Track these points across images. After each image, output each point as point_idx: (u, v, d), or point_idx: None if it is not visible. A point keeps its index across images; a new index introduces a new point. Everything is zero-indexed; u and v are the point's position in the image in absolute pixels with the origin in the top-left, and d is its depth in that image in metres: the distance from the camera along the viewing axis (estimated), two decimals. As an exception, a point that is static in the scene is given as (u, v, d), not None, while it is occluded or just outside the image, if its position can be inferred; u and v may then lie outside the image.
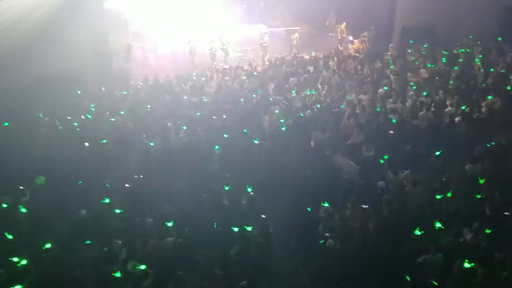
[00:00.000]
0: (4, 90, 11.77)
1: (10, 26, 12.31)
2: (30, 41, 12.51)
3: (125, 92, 13.53)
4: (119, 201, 8.27)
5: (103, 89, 13.79)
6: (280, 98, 13.30)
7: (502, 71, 14.19)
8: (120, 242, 7.04)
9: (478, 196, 7.91)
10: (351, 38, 21.28)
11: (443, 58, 15.93)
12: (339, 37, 20.28)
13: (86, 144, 10.31)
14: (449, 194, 7.92)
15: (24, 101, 11.85)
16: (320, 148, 10.32)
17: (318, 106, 12.44)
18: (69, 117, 11.50)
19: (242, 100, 12.96)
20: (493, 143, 9.94)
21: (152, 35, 21.20)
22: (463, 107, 11.43)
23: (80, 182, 8.94)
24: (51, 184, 8.75)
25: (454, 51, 16.74)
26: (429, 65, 14.99)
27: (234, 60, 18.80)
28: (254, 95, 13.20)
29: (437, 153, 9.43)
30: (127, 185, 8.74)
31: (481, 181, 8.43)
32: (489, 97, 12.07)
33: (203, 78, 15.09)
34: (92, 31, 14.06)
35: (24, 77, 12.51)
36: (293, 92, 13.58)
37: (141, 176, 9.24)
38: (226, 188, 8.49)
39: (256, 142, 10.21)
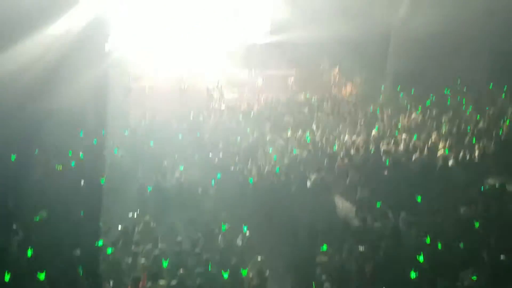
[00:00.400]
0: (6, 126, 11.86)
1: (17, 68, 12.61)
2: (34, 81, 12.76)
3: (123, 131, 13.64)
4: (112, 241, 8.15)
5: (101, 128, 13.93)
6: (276, 138, 13.50)
7: (492, 114, 14.58)
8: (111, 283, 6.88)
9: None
10: (344, 81, 21.90)
11: (428, 101, 16.39)
12: (333, 81, 20.87)
13: (82, 182, 10.27)
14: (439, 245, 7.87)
15: (24, 139, 11.89)
16: (316, 188, 10.36)
17: (313, 146, 12.61)
18: (66, 155, 11.52)
19: (238, 139, 13.13)
20: (486, 186, 10.06)
21: (151, 75, 21.73)
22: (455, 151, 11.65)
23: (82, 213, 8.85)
24: (45, 222, 8.63)
25: (446, 95, 17.25)
26: (419, 109, 15.26)
27: (231, 100, 19.13)
28: (250, 134, 13.40)
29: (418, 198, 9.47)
30: (119, 225, 8.63)
31: (477, 224, 8.45)
32: (479, 139, 12.32)
33: (200, 117, 15.32)
34: (94, 72, 14.39)
35: (25, 114, 12.65)
36: (289, 131, 13.82)
37: (135, 215, 9.17)
38: (222, 227, 8.42)
39: (251, 181, 10.24)
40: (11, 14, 12.03)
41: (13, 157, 11.08)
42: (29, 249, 7.55)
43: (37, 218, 8.78)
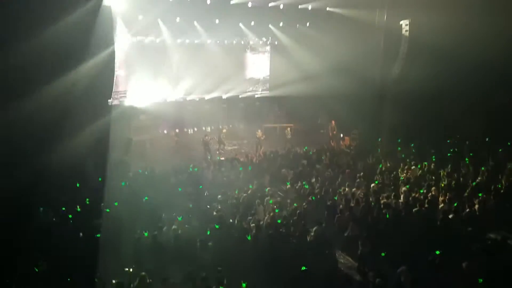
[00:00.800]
0: (8, 181, 11.96)
1: (22, 122, 12.92)
2: (37, 134, 13.01)
3: (122, 183, 13.67)
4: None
5: (101, 180, 14.00)
6: (275, 190, 13.52)
7: (491, 169, 14.69)
8: None
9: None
10: (341, 135, 22.32)
11: (433, 156, 16.58)
12: (330, 134, 21.26)
13: (81, 234, 10.16)
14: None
15: (23, 192, 11.92)
16: (317, 241, 10.21)
17: (313, 198, 12.60)
18: (64, 209, 11.49)
19: (236, 191, 13.12)
20: (488, 241, 9.95)
21: (153, 127, 22.18)
22: (456, 204, 11.63)
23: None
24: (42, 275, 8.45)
25: (444, 149, 17.48)
26: (419, 166, 15.38)
27: (230, 152, 19.38)
28: (250, 186, 13.42)
29: (437, 252, 9.33)
30: (114, 280, 8.42)
31: (480, 280, 8.27)
32: (480, 194, 12.35)
33: (197, 169, 15.41)
34: (96, 125, 14.71)
35: (27, 168, 12.77)
36: (288, 184, 13.85)
37: (131, 269, 8.97)
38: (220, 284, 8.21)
39: (248, 238, 10.12)
40: (15, 67, 12.47)
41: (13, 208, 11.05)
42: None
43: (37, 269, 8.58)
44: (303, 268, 8.71)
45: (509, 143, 17.43)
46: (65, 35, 12.59)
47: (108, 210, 11.60)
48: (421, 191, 12.97)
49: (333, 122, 21.19)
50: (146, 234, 10.13)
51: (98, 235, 10.24)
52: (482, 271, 8.62)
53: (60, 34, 12.47)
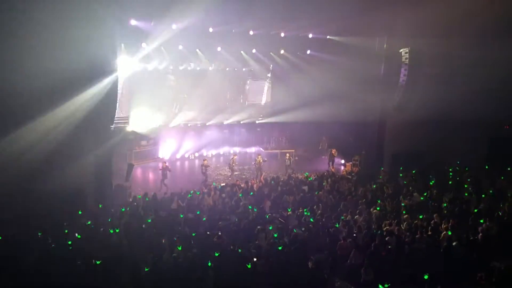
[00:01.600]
0: (7, 207, 11.95)
1: (24, 148, 13.02)
2: (40, 161, 13.06)
3: (122, 210, 13.58)
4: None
5: (101, 206, 13.94)
6: (276, 216, 13.40)
7: (492, 194, 14.59)
8: None
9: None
10: (343, 161, 22.32)
11: (431, 181, 16.52)
12: (330, 161, 21.24)
13: (78, 262, 10.02)
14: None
15: (23, 218, 11.88)
16: (318, 269, 10.04)
17: (313, 223, 12.47)
18: (64, 235, 11.39)
19: (236, 219, 12.98)
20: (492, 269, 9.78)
21: (155, 153, 22.25)
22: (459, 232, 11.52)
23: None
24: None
25: (445, 177, 17.44)
26: (423, 196, 15.24)
27: (232, 178, 19.33)
28: (250, 207, 13.33)
29: (425, 276, 9.17)
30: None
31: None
32: (481, 221, 12.23)
33: (201, 195, 15.33)
34: (98, 151, 14.75)
35: (26, 195, 12.77)
36: (289, 210, 13.74)
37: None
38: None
39: (249, 266, 9.97)
40: (21, 96, 12.61)
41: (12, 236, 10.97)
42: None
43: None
44: None
45: (509, 168, 17.40)
46: (67, 62, 12.79)
47: (110, 232, 11.47)
48: (420, 217, 12.85)
49: (333, 151, 21.20)
50: (146, 269, 9.95)
51: (98, 262, 10.09)
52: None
53: (62, 60, 12.67)
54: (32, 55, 12.45)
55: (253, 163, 19.84)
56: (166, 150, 22.63)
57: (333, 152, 21.45)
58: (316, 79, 22.26)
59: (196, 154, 23.47)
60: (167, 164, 18.20)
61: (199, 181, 18.15)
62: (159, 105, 21.80)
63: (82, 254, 10.53)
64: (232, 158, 20.25)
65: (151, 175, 20.17)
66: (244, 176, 19.84)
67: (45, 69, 12.41)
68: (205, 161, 18.72)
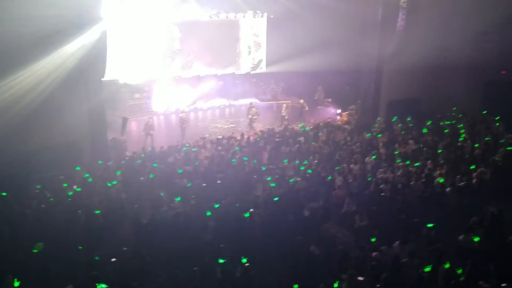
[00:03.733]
0: (3, 161, 11.89)
1: (11, 100, 12.73)
2: (29, 114, 12.84)
3: (122, 162, 13.62)
4: (106, 275, 8.00)
5: (98, 160, 13.95)
6: (273, 167, 13.52)
7: (488, 140, 14.68)
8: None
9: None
10: (339, 111, 22.20)
11: (424, 129, 16.58)
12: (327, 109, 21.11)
13: (79, 211, 10.18)
14: (447, 265, 7.78)
15: (20, 172, 11.88)
16: (314, 217, 10.27)
17: (309, 171, 12.61)
18: (62, 187, 11.47)
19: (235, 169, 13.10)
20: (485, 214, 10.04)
21: (148, 106, 21.99)
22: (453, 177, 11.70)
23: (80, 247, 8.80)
24: (39, 256, 8.49)
25: (440, 123, 17.48)
26: (418, 143, 15.31)
27: (227, 130, 19.26)
28: (247, 164, 13.41)
29: (429, 225, 9.42)
30: (113, 259, 8.46)
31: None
32: (473, 167, 12.38)
33: (194, 149, 15.34)
34: (90, 103, 14.51)
35: (21, 148, 12.69)
36: (285, 161, 13.84)
37: (131, 248, 9.03)
38: (220, 261, 8.26)
39: (246, 215, 10.16)
40: (8, 45, 12.17)
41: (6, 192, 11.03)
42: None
43: (35, 250, 8.63)
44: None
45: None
46: (52, 8, 12.20)
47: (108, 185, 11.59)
48: (416, 164, 12.99)
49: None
50: (145, 220, 10.12)
51: (98, 211, 10.25)
52: (478, 243, 8.73)
53: (47, 7, 12.09)
54: (16, 2, 11.86)
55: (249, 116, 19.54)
56: (160, 103, 22.33)
57: (329, 101, 21.19)
58: (312, 25, 21.59)
59: (192, 107, 23.20)
60: (184, 115, 17.99)
61: (193, 134, 18.03)
62: (151, 57, 21.23)
63: (82, 206, 10.69)
64: (251, 110, 19.34)
65: (148, 127, 19.99)
66: (240, 129, 19.77)
67: (30, 16, 11.88)
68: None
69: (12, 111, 12.63)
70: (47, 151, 12.99)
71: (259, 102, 23.68)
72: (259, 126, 19.20)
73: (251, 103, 19.83)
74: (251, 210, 10.20)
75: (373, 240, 9.03)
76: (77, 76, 13.75)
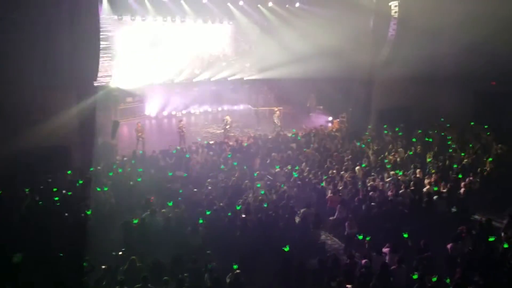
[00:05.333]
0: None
1: (3, 103, 12.62)
2: (20, 117, 12.73)
3: (111, 174, 13.50)
4: (95, 280, 7.94)
5: (88, 163, 13.83)
6: (264, 173, 13.55)
7: (478, 152, 14.89)
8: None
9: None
10: (330, 118, 22.36)
11: (413, 138, 16.77)
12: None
13: (66, 214, 10.07)
14: (434, 279, 7.84)
15: (8, 173, 11.75)
16: (305, 223, 10.31)
17: (300, 179, 12.64)
18: (51, 190, 11.35)
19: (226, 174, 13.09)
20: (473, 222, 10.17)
21: (141, 110, 21.92)
22: (441, 186, 11.84)
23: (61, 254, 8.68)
24: (28, 260, 8.39)
25: (430, 132, 17.69)
26: (407, 152, 15.46)
27: (219, 136, 19.27)
28: (235, 163, 13.44)
29: (405, 235, 9.50)
30: (103, 266, 8.39)
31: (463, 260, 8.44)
32: (460, 176, 12.54)
33: (187, 154, 15.31)
34: (81, 107, 14.42)
35: (10, 149, 12.56)
36: (277, 167, 13.88)
37: (120, 253, 8.97)
38: (209, 266, 8.25)
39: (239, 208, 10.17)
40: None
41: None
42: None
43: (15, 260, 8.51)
44: (286, 248, 8.78)
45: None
46: (43, 11, 12.16)
47: (98, 190, 11.50)
48: (401, 173, 13.09)
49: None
50: (135, 221, 10.06)
51: (88, 212, 10.14)
52: (466, 252, 8.83)
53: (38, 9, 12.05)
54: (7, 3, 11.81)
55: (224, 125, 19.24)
56: (152, 108, 22.29)
57: (320, 108, 21.22)
58: (304, 33, 21.78)
59: (184, 112, 23.18)
60: (183, 123, 17.98)
61: (188, 139, 17.98)
62: (144, 62, 21.22)
63: (71, 209, 10.60)
64: (225, 119, 19.28)
65: (139, 131, 19.91)
66: (232, 134, 19.80)
67: (20, 18, 11.81)
68: (197, 120, 18.43)
69: (4, 113, 12.50)
70: (36, 154, 12.84)
71: (251, 107, 23.77)
72: (251, 132, 19.22)
73: (227, 115, 19.67)
74: (243, 216, 10.21)
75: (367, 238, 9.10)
76: (68, 79, 13.64)
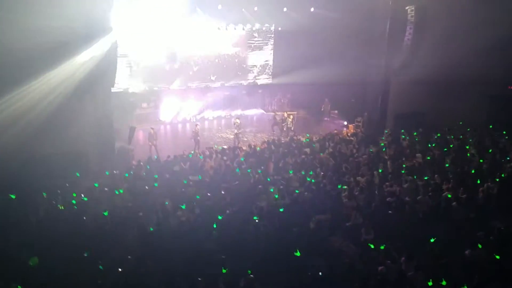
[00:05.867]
0: (11, 169, 12.02)
1: (24, 109, 12.93)
2: (41, 122, 13.02)
3: (126, 174, 13.67)
4: (111, 284, 8.02)
5: (105, 168, 14.03)
6: (278, 178, 13.51)
7: (496, 156, 14.58)
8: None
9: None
10: (345, 123, 22.22)
11: (433, 143, 16.50)
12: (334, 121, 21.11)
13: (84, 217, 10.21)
14: (443, 283, 7.69)
15: (28, 180, 12.00)
16: (320, 229, 10.23)
17: (315, 185, 12.56)
18: (69, 195, 11.55)
19: (237, 182, 13.08)
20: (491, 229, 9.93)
21: (155, 115, 22.15)
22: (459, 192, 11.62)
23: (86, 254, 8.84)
24: (45, 264, 8.52)
25: (448, 137, 17.41)
26: (428, 158, 15.21)
27: (233, 141, 19.32)
28: (251, 175, 13.42)
29: (432, 240, 9.35)
30: (120, 269, 8.46)
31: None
32: (478, 181, 12.28)
33: (201, 157, 15.38)
34: (99, 113, 14.65)
35: (32, 155, 12.86)
36: (291, 172, 13.82)
37: (135, 257, 9.05)
38: (223, 271, 8.24)
39: (255, 219, 10.16)
40: (20, 56, 12.38)
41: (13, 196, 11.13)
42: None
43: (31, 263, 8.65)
44: (297, 253, 8.69)
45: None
46: (63, 19, 12.43)
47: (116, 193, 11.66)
48: (425, 178, 12.92)
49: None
50: (151, 229, 10.14)
51: (106, 213, 10.25)
52: (485, 259, 8.64)
53: (58, 18, 12.32)
54: (26, 13, 12.09)
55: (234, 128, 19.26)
56: (167, 113, 22.51)
57: (335, 113, 21.07)
58: (319, 38, 21.75)
59: (198, 117, 23.33)
60: (198, 127, 18.10)
61: (202, 144, 18.08)
62: (160, 67, 21.48)
63: (88, 214, 10.75)
64: (235, 122, 19.32)
65: (155, 138, 20.10)
66: (245, 139, 19.84)
67: (40, 27, 12.09)
68: (212, 125, 18.46)
69: (24, 120, 12.80)
70: (56, 159, 13.11)
71: (264, 112, 23.80)
72: (265, 136, 19.21)
73: (237, 119, 19.64)
74: (256, 220, 10.19)
75: (382, 247, 8.93)
76: (87, 86, 13.90)
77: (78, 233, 9.93)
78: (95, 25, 13.96)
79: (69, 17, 12.59)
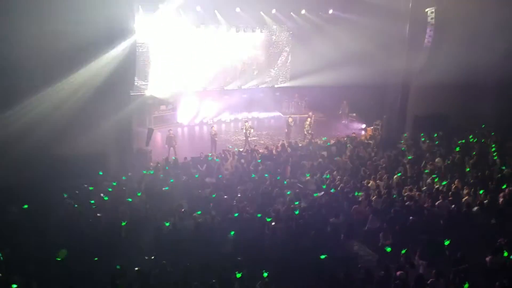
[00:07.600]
0: (32, 170, 12.29)
1: (47, 111, 13.22)
2: (63, 124, 13.33)
3: (144, 172, 13.84)
4: (127, 284, 8.11)
5: (124, 169, 14.23)
6: (295, 181, 13.44)
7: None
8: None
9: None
10: (363, 126, 21.98)
11: (457, 147, 16.16)
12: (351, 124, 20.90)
13: (99, 214, 10.46)
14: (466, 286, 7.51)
15: (49, 181, 12.27)
16: (337, 233, 10.13)
17: (333, 189, 12.47)
18: (88, 195, 11.76)
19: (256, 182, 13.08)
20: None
21: (173, 117, 22.36)
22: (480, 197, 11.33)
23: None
24: (62, 264, 8.70)
25: (471, 140, 17.02)
26: (446, 161, 14.86)
27: (250, 143, 19.34)
28: (268, 177, 13.39)
29: (446, 242, 9.15)
30: (136, 268, 8.55)
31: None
32: (504, 186, 11.95)
33: (218, 160, 15.44)
34: (118, 115, 14.89)
35: (49, 157, 13.14)
36: (307, 175, 13.74)
37: (152, 258, 9.14)
38: (238, 275, 8.21)
39: (269, 220, 10.13)
40: (43, 59, 12.68)
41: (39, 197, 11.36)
42: None
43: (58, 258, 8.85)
44: (323, 256, 8.65)
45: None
46: (85, 24, 12.71)
47: (130, 199, 11.80)
48: (444, 183, 12.66)
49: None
50: (167, 224, 10.24)
51: (124, 223, 10.43)
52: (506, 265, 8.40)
53: (80, 23, 12.61)
54: (49, 18, 12.40)
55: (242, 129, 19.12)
56: (185, 115, 22.70)
57: (353, 115, 20.88)
58: (337, 40, 21.60)
59: (215, 119, 23.44)
60: (215, 129, 18.21)
61: (219, 147, 18.14)
62: (177, 70, 21.70)
63: (107, 214, 10.91)
64: (245, 124, 19.02)
65: (173, 139, 20.29)
66: (262, 142, 19.82)
67: (63, 32, 12.39)
68: (229, 128, 18.49)
69: (47, 122, 13.12)
70: (77, 160, 13.37)
71: (282, 115, 23.76)
72: (282, 139, 19.16)
73: (246, 122, 19.44)
74: (273, 223, 10.16)
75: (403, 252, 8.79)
76: (107, 89, 14.14)
77: (95, 233, 10.09)
78: (117, 29, 14.20)
79: (90, 22, 12.86)
